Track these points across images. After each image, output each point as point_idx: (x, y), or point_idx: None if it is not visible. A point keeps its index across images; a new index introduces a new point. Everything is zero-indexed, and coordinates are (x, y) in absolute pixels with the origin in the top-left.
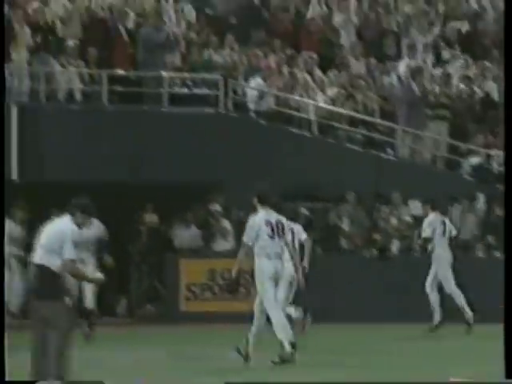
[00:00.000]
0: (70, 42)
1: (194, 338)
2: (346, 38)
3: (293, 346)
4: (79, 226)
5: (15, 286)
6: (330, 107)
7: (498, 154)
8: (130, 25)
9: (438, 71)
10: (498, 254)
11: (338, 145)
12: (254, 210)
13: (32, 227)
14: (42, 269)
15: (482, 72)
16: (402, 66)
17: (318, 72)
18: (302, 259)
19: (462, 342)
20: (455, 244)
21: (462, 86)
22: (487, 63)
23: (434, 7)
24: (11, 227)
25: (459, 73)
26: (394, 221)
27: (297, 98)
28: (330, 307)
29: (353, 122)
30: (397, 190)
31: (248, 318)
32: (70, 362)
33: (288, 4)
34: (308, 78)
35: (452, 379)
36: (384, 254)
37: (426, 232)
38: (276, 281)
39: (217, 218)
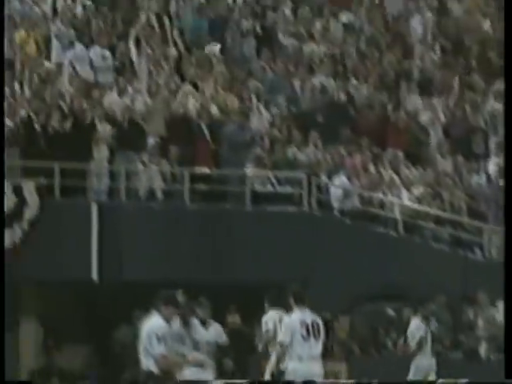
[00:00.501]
0: (152, 140)
1: None
2: (433, 136)
3: None
4: (167, 320)
5: None
6: (416, 206)
7: None
8: (213, 122)
9: None
10: None
11: (424, 244)
12: (290, 309)
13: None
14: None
15: None
16: (491, 165)
17: (404, 170)
18: None
19: None
20: None
21: None
22: None
23: None
24: None
25: None
26: (481, 322)
27: (382, 196)
28: None
29: (439, 220)
30: (484, 290)
31: None
32: None
33: (374, 102)
34: (394, 176)
35: None
36: (472, 356)
37: None
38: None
39: None
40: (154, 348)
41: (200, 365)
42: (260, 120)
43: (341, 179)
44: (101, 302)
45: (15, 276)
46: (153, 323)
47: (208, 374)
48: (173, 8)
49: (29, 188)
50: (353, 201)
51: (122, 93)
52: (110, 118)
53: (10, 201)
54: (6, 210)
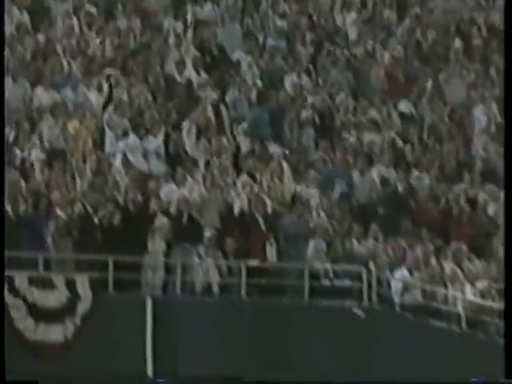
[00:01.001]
0: (208, 233)
1: None
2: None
3: None
4: None
5: None
6: (480, 300)
7: None
8: (270, 214)
9: None
10: None
11: (489, 340)
12: None
13: None
14: None
15: None
16: None
17: (467, 263)
18: None
19: None
20: None
21: None
22: None
23: None
24: None
25: None
26: None
27: (444, 290)
28: None
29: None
30: None
31: None
32: None
33: (436, 193)
34: (456, 269)
35: None
36: None
37: None
38: None
39: None
40: None
41: None
42: (318, 212)
43: (402, 272)
44: None
45: (68, 372)
46: None
47: None
48: (229, 97)
49: (82, 282)
50: (414, 295)
51: (177, 184)
52: (165, 210)
53: (62, 295)
54: (58, 304)
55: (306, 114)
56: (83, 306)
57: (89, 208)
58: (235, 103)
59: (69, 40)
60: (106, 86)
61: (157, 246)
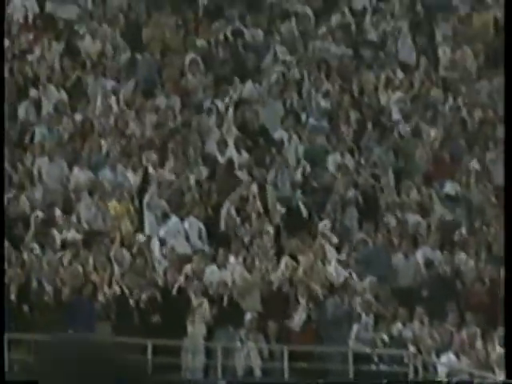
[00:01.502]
0: (249, 315)
1: None
2: None
3: None
4: None
5: None
6: None
7: None
8: (313, 296)
9: None
10: None
11: None
12: None
13: None
14: None
15: None
16: None
17: None
18: None
19: None
20: None
21: None
22: None
23: None
24: None
25: None
26: None
27: (491, 375)
28: None
29: None
30: None
31: None
32: None
33: (484, 275)
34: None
35: None
36: None
37: None
38: None
39: None
40: None
41: None
42: (362, 294)
43: (448, 357)
44: None
45: None
46: None
47: None
48: (271, 177)
49: None
50: (461, 380)
51: (218, 266)
52: (205, 293)
53: None
54: None
55: (349, 193)
56: None
57: (127, 290)
58: (277, 183)
59: (107, 119)
60: (144, 167)
61: (197, 329)
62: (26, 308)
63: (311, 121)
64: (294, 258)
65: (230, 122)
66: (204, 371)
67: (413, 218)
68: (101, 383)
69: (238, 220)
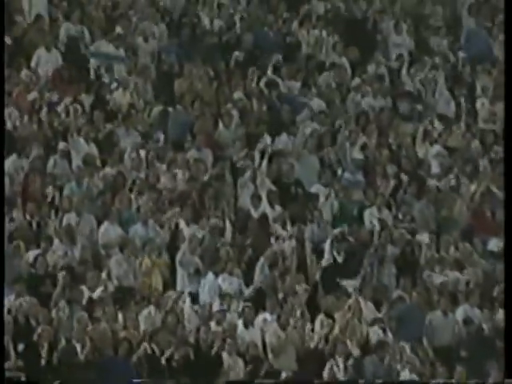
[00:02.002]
0: (284, 375)
1: None
2: None
3: None
4: None
5: None
6: None
7: None
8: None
9: None
10: None
11: None
12: None
13: None
14: None
15: None
16: None
17: None
18: None
19: None
20: None
21: None
22: None
23: None
24: None
25: None
26: None
27: None
28: None
29: None
30: None
31: None
32: None
33: None
34: None
35: None
36: None
37: None
38: None
39: None
40: None
41: None
42: (400, 353)
43: None
44: None
45: None
46: None
47: None
48: (307, 232)
49: None
50: None
51: (247, 324)
52: (239, 351)
53: None
54: None
55: (386, 249)
56: None
57: (157, 348)
58: (314, 239)
59: (138, 173)
60: (176, 222)
61: None
62: (55, 365)
63: (346, 175)
64: (329, 315)
65: (263, 175)
66: None
67: (452, 275)
68: None
69: (273, 276)
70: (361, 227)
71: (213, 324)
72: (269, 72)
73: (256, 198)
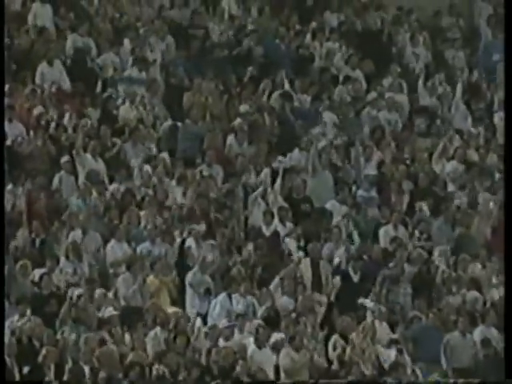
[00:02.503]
0: None
1: None
2: None
3: None
4: None
5: None
6: None
7: None
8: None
9: None
10: None
11: None
12: None
13: None
14: None
15: None
16: None
17: None
18: None
19: None
20: None
21: None
22: None
23: None
24: None
25: None
26: None
27: None
28: None
29: None
30: None
31: None
32: None
33: None
34: None
35: None
36: None
37: None
38: None
39: None
40: None
41: None
42: (417, 375)
43: None
44: None
45: None
46: None
47: None
48: (324, 251)
49: None
50: None
51: (264, 345)
52: (252, 374)
53: None
54: None
55: (402, 268)
56: None
57: (166, 371)
58: (329, 257)
59: (146, 190)
60: (185, 240)
61: None
62: None
63: (361, 192)
64: (343, 336)
65: (276, 192)
66: None
67: (470, 294)
68: None
69: (286, 296)
70: (376, 245)
71: (224, 345)
72: (283, 85)
73: (268, 215)
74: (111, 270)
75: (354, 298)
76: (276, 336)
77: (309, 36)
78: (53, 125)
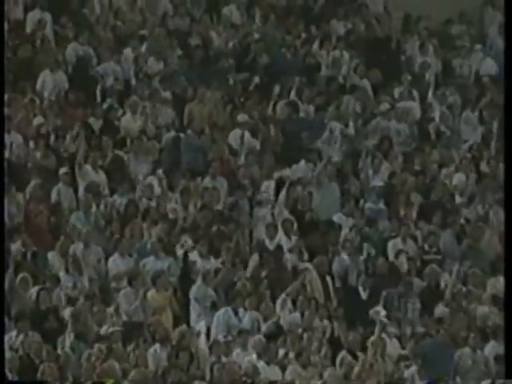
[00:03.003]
0: None
1: None
2: None
3: None
4: None
5: None
6: None
7: None
8: None
9: None
10: None
11: None
12: None
13: None
14: None
15: None
16: None
17: None
18: None
19: None
20: None
21: None
22: None
23: None
24: None
25: None
26: None
27: None
28: None
29: None
30: None
31: None
32: None
33: None
34: None
35: None
36: None
37: None
38: None
39: None
40: None
41: None
42: None
43: None
44: None
45: None
46: None
47: None
48: (334, 265)
49: None
50: None
51: (271, 362)
52: None
53: None
54: None
55: (411, 282)
56: None
57: None
58: (336, 271)
59: (149, 202)
60: (189, 253)
61: None
62: None
63: (368, 204)
64: (351, 352)
65: (281, 204)
66: None
67: (481, 309)
68: None
69: (294, 311)
70: (384, 259)
71: (229, 361)
72: (289, 94)
73: (273, 229)
74: (113, 285)
75: (363, 313)
76: (282, 352)
77: (315, 45)
78: (52, 137)
